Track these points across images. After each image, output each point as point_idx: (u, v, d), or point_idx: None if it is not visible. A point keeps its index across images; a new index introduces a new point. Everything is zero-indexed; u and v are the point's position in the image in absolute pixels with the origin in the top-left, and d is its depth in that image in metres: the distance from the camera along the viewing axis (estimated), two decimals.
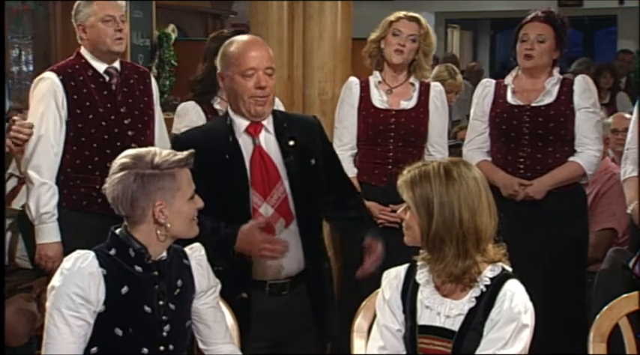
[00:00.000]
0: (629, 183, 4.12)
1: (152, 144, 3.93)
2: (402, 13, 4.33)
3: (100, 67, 3.98)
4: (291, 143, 3.23)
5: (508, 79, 4.36)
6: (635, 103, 4.29)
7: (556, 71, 4.35)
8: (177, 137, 3.37)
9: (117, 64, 4.02)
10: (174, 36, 9.11)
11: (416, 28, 4.28)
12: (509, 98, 4.30)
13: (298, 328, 3.28)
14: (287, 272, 3.24)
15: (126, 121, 3.95)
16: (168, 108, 7.47)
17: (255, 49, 3.21)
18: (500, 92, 4.33)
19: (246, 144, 3.22)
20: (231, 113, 3.27)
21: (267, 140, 3.25)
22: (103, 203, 3.81)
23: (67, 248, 3.72)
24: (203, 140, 3.20)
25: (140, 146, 3.72)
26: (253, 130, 3.24)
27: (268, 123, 3.26)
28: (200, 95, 4.26)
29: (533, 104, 4.26)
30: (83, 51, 4.00)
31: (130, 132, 3.95)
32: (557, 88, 4.29)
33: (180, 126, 4.20)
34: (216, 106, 4.22)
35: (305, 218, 3.23)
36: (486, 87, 4.39)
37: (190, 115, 4.20)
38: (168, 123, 6.83)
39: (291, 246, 3.15)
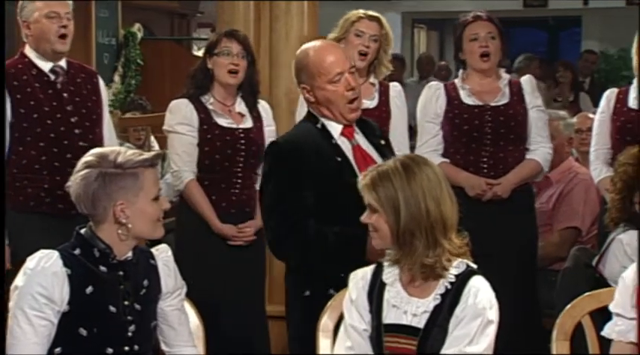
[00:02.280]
0: (603, 184, 4.18)
1: (101, 143, 3.93)
2: (361, 12, 4.27)
3: (45, 65, 3.95)
4: (383, 142, 3.34)
5: (458, 81, 4.36)
6: (601, 100, 4.36)
7: (503, 71, 4.40)
8: (276, 143, 3.32)
9: (63, 63, 3.99)
10: (140, 35, 9.07)
11: (377, 28, 4.26)
12: (466, 99, 4.30)
13: None
14: None
15: (72, 120, 3.93)
16: (134, 107, 7.45)
17: (332, 53, 3.27)
18: (452, 94, 4.33)
19: (345, 145, 3.27)
20: (321, 119, 3.28)
21: (360, 140, 3.31)
22: (52, 203, 3.82)
23: (15, 250, 3.69)
24: (308, 145, 3.22)
25: (88, 144, 3.74)
26: (349, 133, 3.29)
27: (354, 123, 3.32)
28: (192, 91, 4.20)
29: (492, 104, 4.28)
30: (27, 50, 3.97)
31: (77, 131, 3.92)
32: (508, 88, 4.33)
33: (173, 123, 4.18)
34: (209, 106, 4.17)
35: None
36: (437, 89, 4.37)
37: (183, 112, 4.15)
38: (134, 122, 6.82)
39: None
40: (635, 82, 4.27)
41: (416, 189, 2.64)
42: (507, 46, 4.36)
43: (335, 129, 3.27)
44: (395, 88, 4.42)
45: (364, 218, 2.73)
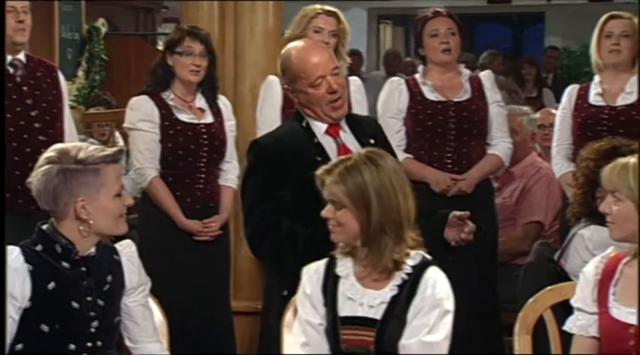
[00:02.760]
0: (565, 179, 4.22)
1: (61, 137, 3.91)
2: (318, 7, 4.26)
3: None
4: (372, 141, 3.25)
5: (419, 76, 4.36)
6: (562, 96, 4.40)
7: (462, 67, 4.42)
8: (257, 143, 3.29)
9: (22, 56, 3.97)
10: (104, 30, 9.01)
11: (335, 23, 4.25)
12: (429, 95, 4.31)
13: None
14: None
15: (32, 113, 3.90)
16: (99, 102, 7.41)
17: (315, 54, 3.22)
18: (414, 90, 4.34)
19: (329, 145, 3.23)
20: (307, 118, 3.25)
21: (347, 139, 3.27)
22: (11, 199, 3.78)
23: None
24: (289, 144, 3.19)
25: (49, 139, 3.71)
26: (334, 132, 3.25)
27: (343, 122, 3.28)
28: (152, 88, 4.17)
29: (456, 100, 4.30)
30: None
31: (37, 125, 3.90)
32: (469, 83, 4.35)
33: (135, 120, 4.14)
34: (169, 102, 4.14)
35: None
36: (399, 85, 4.37)
37: (144, 108, 4.12)
38: (98, 118, 6.78)
39: None
40: (596, 78, 4.33)
41: (385, 182, 2.63)
42: (466, 42, 4.37)
43: (319, 128, 3.25)
44: (355, 82, 4.43)
45: (326, 212, 2.70)
